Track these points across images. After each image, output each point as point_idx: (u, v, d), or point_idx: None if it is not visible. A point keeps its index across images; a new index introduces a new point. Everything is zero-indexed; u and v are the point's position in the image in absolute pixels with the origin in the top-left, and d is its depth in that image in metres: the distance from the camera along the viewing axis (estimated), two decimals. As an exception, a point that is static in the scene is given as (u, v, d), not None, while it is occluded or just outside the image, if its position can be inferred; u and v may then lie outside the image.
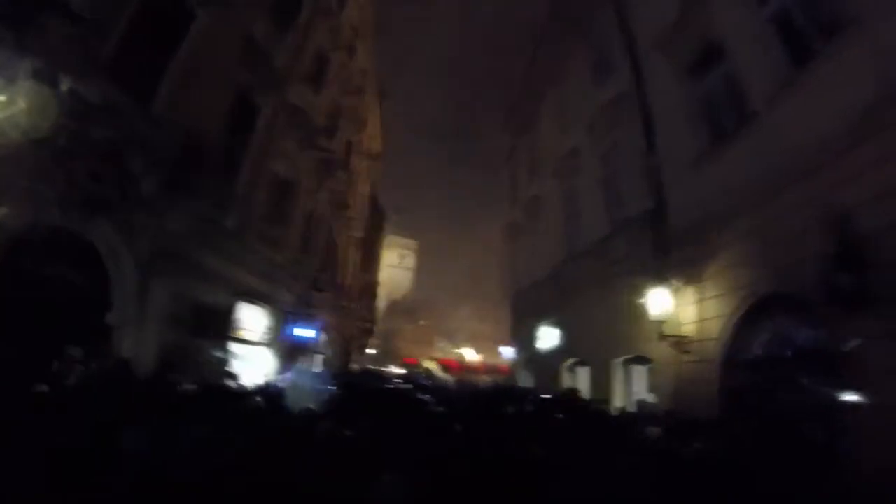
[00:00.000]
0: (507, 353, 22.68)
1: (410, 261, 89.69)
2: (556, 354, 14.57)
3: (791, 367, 6.24)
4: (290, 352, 13.24)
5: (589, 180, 13.25)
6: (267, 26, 11.73)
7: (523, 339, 18.76)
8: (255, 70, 11.25)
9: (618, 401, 10.65)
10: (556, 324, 14.69)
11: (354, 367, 23.37)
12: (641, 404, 9.13)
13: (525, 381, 19.03)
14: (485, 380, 39.91)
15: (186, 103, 8.72)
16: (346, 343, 23.10)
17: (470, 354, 73.90)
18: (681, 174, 9.05)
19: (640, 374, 10.85)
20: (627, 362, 10.96)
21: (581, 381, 13.59)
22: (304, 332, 14.05)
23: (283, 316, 13.34)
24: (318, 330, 15.34)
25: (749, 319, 7.13)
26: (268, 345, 12.67)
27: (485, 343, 78.05)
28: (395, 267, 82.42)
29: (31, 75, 5.73)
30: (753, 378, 6.89)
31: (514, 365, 21.14)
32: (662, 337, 8.52)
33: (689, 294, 8.44)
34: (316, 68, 15.59)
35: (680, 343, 8.38)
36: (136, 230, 7.81)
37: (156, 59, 8.30)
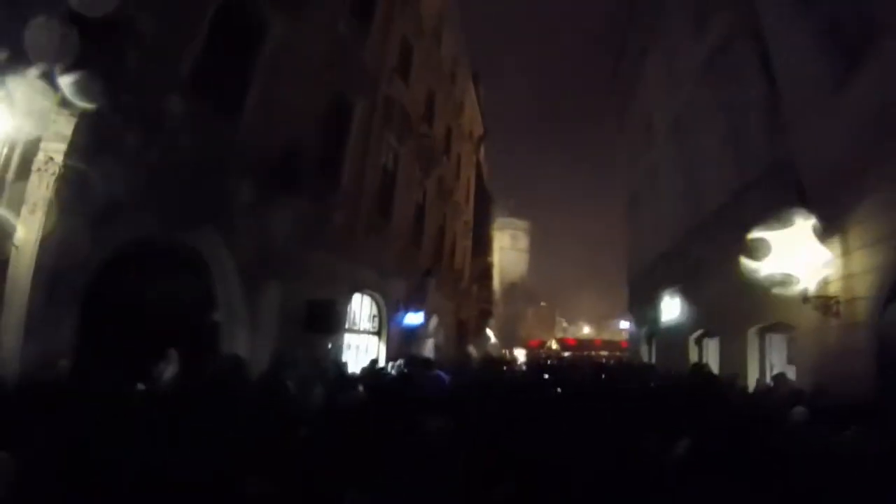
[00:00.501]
0: (626, 327, 21.82)
1: (523, 242, 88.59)
2: (682, 327, 13.69)
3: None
4: (399, 339, 13.60)
5: (709, 136, 12.08)
6: (349, 23, 11.90)
7: (644, 313, 17.93)
8: (344, 68, 11.50)
9: (752, 376, 9.70)
10: (681, 294, 13.79)
11: (471, 350, 23.54)
12: (780, 380, 7.93)
13: (646, 356, 18.18)
14: (603, 355, 39.11)
15: (277, 109, 9.02)
16: (460, 327, 23.34)
17: (588, 331, 72.49)
18: (812, 113, 7.91)
19: (778, 344, 9.81)
20: (763, 331, 9.94)
21: (710, 354, 12.69)
22: (414, 319, 14.35)
23: (395, 304, 13.70)
24: (427, 315, 15.58)
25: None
26: (378, 333, 13.10)
27: (603, 321, 76.29)
28: (508, 249, 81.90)
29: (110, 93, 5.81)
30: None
31: (634, 340, 20.22)
32: (805, 298, 7.39)
33: (833, 246, 7.31)
34: (403, 59, 15.69)
35: (826, 304, 7.23)
36: (239, 234, 8.25)
37: (238, 71, 8.61)
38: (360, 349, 12.22)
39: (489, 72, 30.38)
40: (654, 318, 15.75)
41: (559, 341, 57.08)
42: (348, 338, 11.75)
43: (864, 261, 6.80)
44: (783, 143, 8.73)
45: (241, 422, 3.53)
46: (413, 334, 14.80)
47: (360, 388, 6.28)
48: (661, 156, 15.89)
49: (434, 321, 18.51)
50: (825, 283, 7.40)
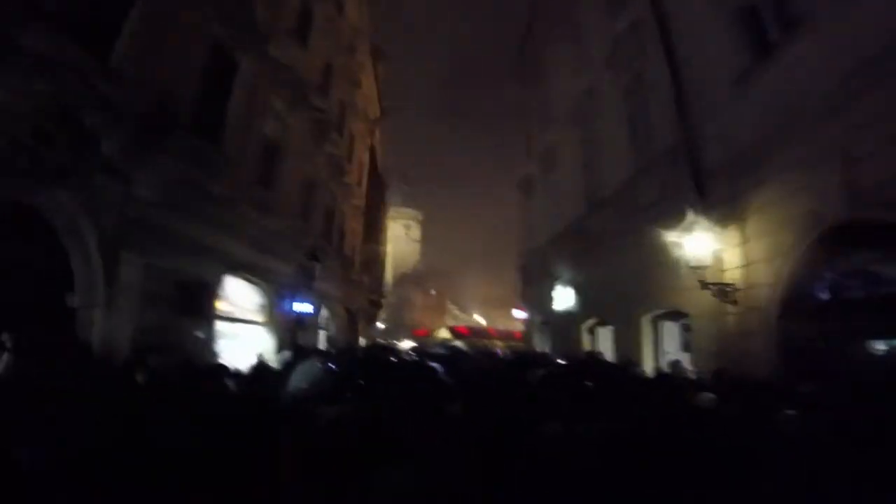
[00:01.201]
0: (520, 316, 21.89)
1: (416, 231, 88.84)
2: (575, 315, 13.67)
3: (870, 314, 5.23)
4: (287, 328, 12.36)
5: (610, 121, 12.07)
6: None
7: (537, 301, 17.89)
8: (231, 23, 10.07)
9: (647, 362, 9.72)
10: (574, 282, 13.76)
11: (361, 341, 22.60)
12: (675, 366, 7.97)
13: (540, 345, 18.24)
14: (497, 345, 39.41)
15: (151, 59, 7.67)
16: (352, 317, 22.26)
17: (481, 321, 73.50)
18: (715, 100, 7.98)
19: (670, 331, 9.92)
20: (657, 319, 10.00)
21: (602, 342, 12.74)
22: (302, 307, 13.12)
23: (280, 290, 12.41)
24: (318, 304, 14.43)
25: (811, 257, 6.07)
26: (262, 322, 11.77)
27: (497, 309, 78.02)
28: (401, 238, 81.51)
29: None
30: (819, 329, 5.85)
31: (528, 329, 20.30)
32: (704, 285, 7.44)
33: (731, 235, 7.45)
34: (300, 22, 14.34)
35: (724, 292, 7.34)
36: (99, 198, 6.81)
37: (112, 9, 7.14)
38: (244, 340, 10.82)
39: (390, 50, 29.17)
40: (548, 306, 15.72)
41: (451, 329, 56.75)
42: (227, 327, 10.33)
43: (763, 249, 6.88)
44: (681, 130, 8.74)
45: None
46: (302, 323, 13.57)
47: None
48: (559, 140, 15.83)
49: (324, 311, 17.34)
50: (720, 270, 7.51)
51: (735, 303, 7.28)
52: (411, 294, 74.91)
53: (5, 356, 4.04)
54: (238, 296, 10.98)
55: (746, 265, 7.21)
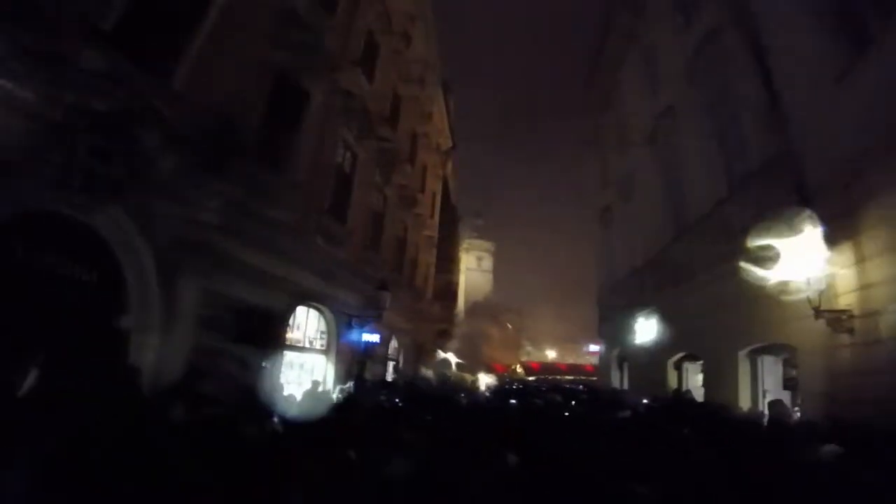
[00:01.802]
0: (595, 350, 20.77)
1: (488, 263, 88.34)
2: (659, 349, 12.65)
3: None
4: (351, 359, 12.07)
5: (692, 140, 11.24)
6: (308, 3, 10.61)
7: (615, 336, 16.95)
8: (297, 50, 10.16)
9: (744, 402, 8.67)
10: (658, 314, 12.78)
11: (427, 373, 22.08)
12: (775, 406, 6.88)
13: (616, 381, 17.09)
14: (567, 379, 37.84)
15: (214, 82, 7.75)
16: (419, 348, 21.87)
17: (552, 355, 71.45)
18: (814, 106, 7.11)
19: (770, 368, 8.88)
20: (755, 354, 8.96)
21: (691, 379, 11.75)
22: (369, 337, 12.83)
23: (346, 319, 12.17)
24: (386, 335, 14.11)
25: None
26: (325, 351, 11.53)
27: (567, 344, 75.56)
28: (474, 270, 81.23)
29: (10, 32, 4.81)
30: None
31: (605, 364, 19.12)
32: (819, 313, 6.36)
33: (843, 255, 6.42)
34: (367, 53, 14.46)
35: (837, 319, 6.28)
36: (156, 218, 6.79)
37: (174, 33, 7.30)
38: (304, 368, 10.62)
39: (459, 82, 29.37)
40: (627, 340, 14.67)
41: (523, 364, 55.40)
42: (290, 356, 10.17)
43: (883, 270, 5.85)
44: (779, 141, 7.87)
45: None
46: (368, 354, 13.28)
47: (275, 419, 4.86)
48: (637, 166, 15.04)
49: (393, 341, 17.04)
50: (834, 295, 6.46)
51: (851, 332, 6.21)
52: (486, 327, 73.84)
53: (34, 371, 3.85)
54: (302, 324, 10.83)
55: (864, 288, 6.18)
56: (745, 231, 8.59)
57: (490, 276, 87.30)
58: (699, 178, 10.85)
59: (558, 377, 43.46)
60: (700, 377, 11.44)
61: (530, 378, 44.29)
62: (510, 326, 77.82)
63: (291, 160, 10.19)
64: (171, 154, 6.75)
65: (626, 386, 16.16)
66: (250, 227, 8.53)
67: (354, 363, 12.12)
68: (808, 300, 6.42)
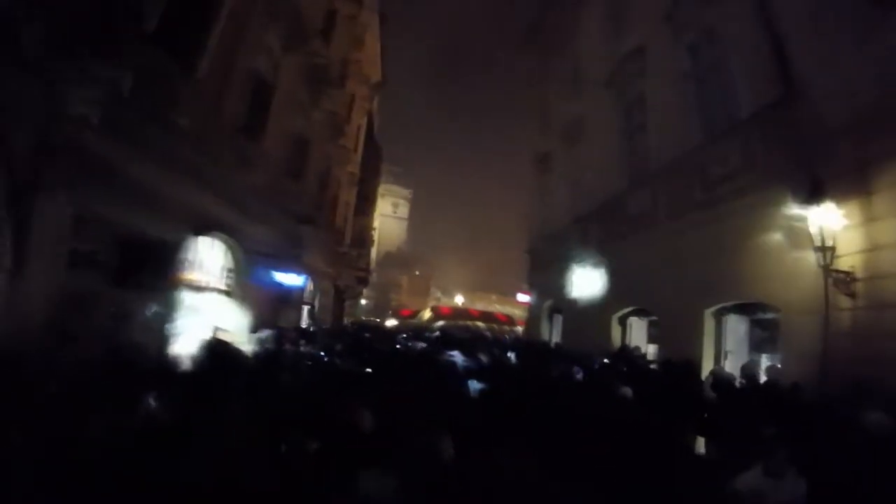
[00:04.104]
0: (524, 300, 20.45)
1: (404, 210, 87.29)
2: (602, 303, 11.88)
3: None
4: (265, 303, 10.37)
5: (664, 82, 10.23)
6: None
7: (548, 287, 16.20)
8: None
9: (706, 363, 8.09)
10: (604, 266, 11.96)
11: (346, 321, 20.83)
12: (750, 368, 6.55)
13: (547, 333, 16.54)
14: (479, 325, 37.47)
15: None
16: (339, 293, 20.37)
17: (463, 302, 72.11)
18: (824, 50, 6.25)
19: (735, 328, 8.28)
20: (721, 312, 8.32)
21: (636, 336, 11.16)
22: (289, 279, 11.14)
23: (258, 256, 10.35)
24: (301, 276, 12.44)
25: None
26: (232, 293, 9.70)
27: (478, 292, 76.59)
28: (389, 217, 79.81)
29: None
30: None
31: (533, 314, 18.56)
32: (829, 272, 5.84)
33: (849, 214, 5.80)
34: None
35: (842, 282, 5.79)
36: (8, 108, 4.74)
37: None
38: (204, 312, 8.76)
39: (392, 15, 26.65)
40: (562, 292, 13.95)
41: (433, 309, 54.74)
42: (188, 298, 8.30)
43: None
44: (773, 88, 6.98)
45: None
46: (286, 298, 11.62)
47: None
48: (590, 110, 13.93)
49: (311, 284, 15.37)
50: (835, 256, 5.88)
51: (853, 296, 5.72)
52: (397, 275, 73.33)
53: None
54: (204, 259, 8.88)
55: (871, 250, 5.63)
56: (724, 181, 7.94)
57: (405, 225, 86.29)
58: (668, 124, 9.94)
59: (468, 322, 42.93)
60: (644, 333, 11.02)
61: (439, 323, 43.32)
62: (418, 273, 77.85)
63: (199, 55, 8.09)
64: (36, 21, 4.70)
65: (556, 339, 15.60)
66: (141, 130, 6.53)
67: (268, 308, 10.42)
68: (818, 259, 5.87)
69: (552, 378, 6.56)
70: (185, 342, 6.51)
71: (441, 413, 3.70)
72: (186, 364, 4.84)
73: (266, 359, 5.97)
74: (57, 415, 2.98)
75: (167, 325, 6.88)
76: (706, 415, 5.44)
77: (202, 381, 4.17)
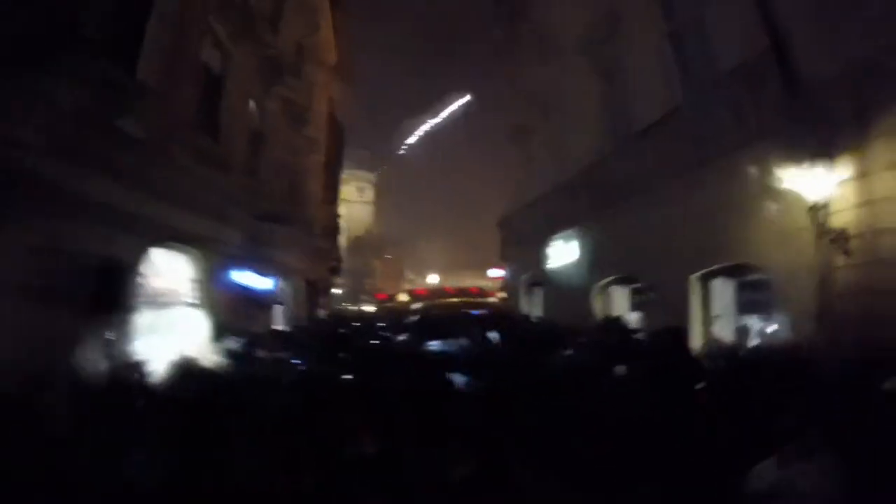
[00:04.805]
0: (497, 275, 20.30)
1: (369, 194, 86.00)
2: (584, 273, 11.74)
3: None
4: (233, 309, 9.96)
5: (641, 42, 9.97)
6: None
7: (525, 260, 16.08)
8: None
9: (695, 328, 8.11)
10: (585, 235, 11.83)
11: (321, 313, 20.43)
12: (743, 332, 6.78)
13: (526, 306, 16.45)
14: (453, 301, 37.52)
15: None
16: (312, 288, 19.92)
17: (435, 281, 72.02)
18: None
19: (721, 291, 8.28)
20: (706, 276, 8.29)
21: (618, 305, 11.11)
22: (258, 281, 10.74)
23: (223, 261, 9.91)
24: (274, 276, 12.03)
25: None
26: (195, 303, 9.26)
27: (451, 269, 76.49)
28: (355, 202, 78.73)
29: None
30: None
31: (511, 288, 18.45)
32: (822, 232, 5.73)
33: (843, 168, 5.68)
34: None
35: (837, 238, 5.67)
36: None
37: None
38: (172, 329, 8.32)
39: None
40: (541, 264, 13.86)
41: (409, 292, 54.43)
42: (149, 316, 7.84)
43: (891, 184, 5.19)
44: (757, 42, 6.76)
45: None
46: (257, 302, 11.21)
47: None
48: (567, 76, 13.48)
49: (283, 284, 14.94)
50: (829, 212, 5.77)
51: (847, 254, 5.60)
52: (369, 260, 72.72)
53: None
54: (163, 271, 8.37)
55: (865, 204, 5.52)
56: (714, 139, 7.68)
57: (371, 209, 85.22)
58: (648, 87, 9.73)
59: (444, 300, 42.73)
60: (627, 302, 11.02)
61: (416, 305, 42.94)
62: (390, 257, 77.39)
63: (140, 53, 7.55)
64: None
65: (537, 312, 15.41)
66: (89, 144, 6.06)
67: (236, 313, 10.01)
68: (811, 216, 5.78)
69: (545, 367, 6.35)
70: (153, 364, 6.15)
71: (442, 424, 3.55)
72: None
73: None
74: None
75: (132, 350, 6.48)
76: (711, 391, 5.26)
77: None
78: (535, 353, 6.81)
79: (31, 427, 3.33)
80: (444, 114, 74.01)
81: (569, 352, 6.85)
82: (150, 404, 4.24)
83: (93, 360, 5.56)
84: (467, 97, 66.69)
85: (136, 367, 5.36)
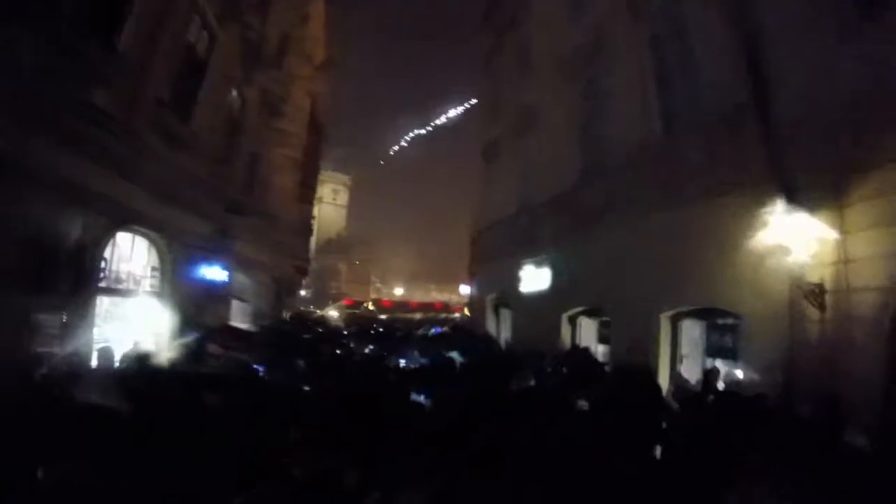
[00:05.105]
0: (466, 292, 20.10)
1: (344, 197, 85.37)
2: (553, 300, 11.59)
3: None
4: (198, 301, 9.48)
5: (623, 73, 9.87)
6: None
7: (494, 279, 15.86)
8: None
9: (662, 367, 8.00)
10: (555, 262, 11.65)
11: (284, 313, 19.86)
12: (712, 374, 6.50)
13: (493, 327, 16.21)
14: (417, 316, 37.40)
15: None
16: (277, 286, 19.35)
17: (400, 293, 71.78)
18: (801, 45, 6.01)
19: (689, 332, 8.16)
20: (677, 316, 8.19)
21: (586, 336, 10.94)
22: (218, 273, 10.26)
23: (187, 251, 9.42)
24: (232, 270, 11.52)
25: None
26: (160, 293, 8.76)
27: (417, 281, 76.27)
28: (329, 203, 77.95)
29: None
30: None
31: (477, 307, 18.21)
32: (799, 283, 5.73)
33: (820, 224, 5.61)
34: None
35: (812, 293, 5.64)
36: None
37: None
38: (128, 318, 7.79)
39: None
40: (509, 286, 13.70)
41: (375, 302, 54.00)
42: (107, 302, 7.33)
43: (874, 244, 5.15)
44: (742, 88, 6.74)
45: None
46: (215, 295, 10.70)
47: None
48: (543, 96, 13.42)
49: (245, 279, 14.37)
50: (805, 267, 5.76)
51: (822, 308, 5.58)
52: (337, 263, 71.83)
53: None
54: (125, 256, 7.84)
55: (841, 262, 5.49)
56: (690, 178, 7.62)
57: (344, 212, 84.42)
58: (626, 118, 9.61)
59: (408, 315, 42.59)
60: (595, 333, 10.85)
61: (382, 316, 42.77)
62: (357, 263, 76.61)
63: (121, 24, 7.10)
64: None
65: (504, 334, 15.26)
66: (48, 114, 5.61)
67: (199, 308, 9.51)
68: (787, 268, 5.83)
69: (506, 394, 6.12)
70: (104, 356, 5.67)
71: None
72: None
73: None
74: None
75: (83, 338, 5.99)
76: (672, 432, 5.17)
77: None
78: (497, 378, 6.60)
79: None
80: (430, 121, 73.77)
81: (531, 382, 6.66)
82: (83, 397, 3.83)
83: (39, 345, 5.09)
84: (457, 106, 66.71)
85: (76, 356, 4.88)
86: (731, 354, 7.29)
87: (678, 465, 4.77)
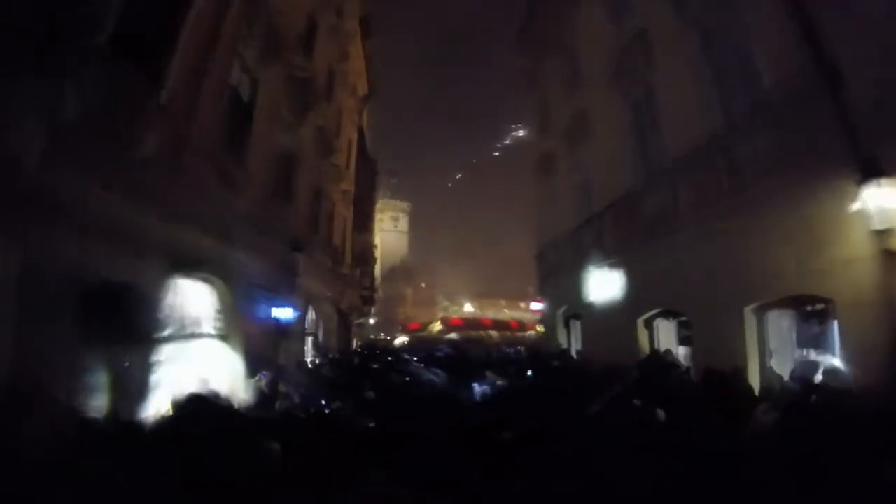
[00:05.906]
0: (537, 308, 19.65)
1: (404, 223, 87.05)
2: (625, 306, 11.00)
3: None
4: (265, 340, 9.41)
5: (674, 69, 9.38)
6: None
7: (561, 293, 15.39)
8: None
9: (751, 364, 7.29)
10: (625, 267, 11.10)
11: (354, 343, 19.90)
12: (807, 368, 5.67)
13: (564, 340, 15.75)
14: (493, 336, 36.46)
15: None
16: (343, 317, 19.41)
17: (470, 309, 71.26)
18: (862, 15, 5.44)
19: (775, 324, 7.36)
20: (761, 309, 7.44)
21: (664, 338, 10.23)
22: (285, 311, 10.21)
23: (250, 290, 9.38)
24: (302, 305, 11.51)
25: None
26: (225, 335, 8.68)
27: (486, 298, 75.73)
28: (390, 231, 79.44)
29: None
30: None
31: (548, 322, 17.68)
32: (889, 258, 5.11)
33: None
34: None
35: None
36: None
37: None
38: (193, 362, 7.72)
39: (379, 21, 26.02)
40: (578, 297, 13.12)
41: (443, 321, 52.67)
42: (168, 348, 7.25)
43: None
44: (800, 64, 6.15)
45: None
46: (286, 332, 10.66)
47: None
48: (595, 105, 13.07)
49: (311, 313, 14.42)
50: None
51: None
52: (402, 288, 72.68)
53: None
54: (184, 300, 7.76)
55: None
56: (758, 162, 7.02)
57: (406, 238, 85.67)
58: (683, 113, 9.08)
59: (482, 333, 41.50)
60: (674, 335, 10.10)
61: (451, 336, 41.72)
62: (423, 285, 77.03)
63: (165, 66, 7.17)
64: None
65: (576, 346, 14.83)
66: (99, 157, 5.61)
67: (269, 347, 9.44)
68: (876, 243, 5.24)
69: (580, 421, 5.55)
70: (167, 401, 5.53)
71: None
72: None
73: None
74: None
75: (146, 384, 5.91)
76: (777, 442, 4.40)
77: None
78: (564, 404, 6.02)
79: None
80: (477, 143, 74.13)
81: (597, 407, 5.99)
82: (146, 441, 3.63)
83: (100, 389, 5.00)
84: (504, 124, 66.83)
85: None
86: (823, 344, 6.50)
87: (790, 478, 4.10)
